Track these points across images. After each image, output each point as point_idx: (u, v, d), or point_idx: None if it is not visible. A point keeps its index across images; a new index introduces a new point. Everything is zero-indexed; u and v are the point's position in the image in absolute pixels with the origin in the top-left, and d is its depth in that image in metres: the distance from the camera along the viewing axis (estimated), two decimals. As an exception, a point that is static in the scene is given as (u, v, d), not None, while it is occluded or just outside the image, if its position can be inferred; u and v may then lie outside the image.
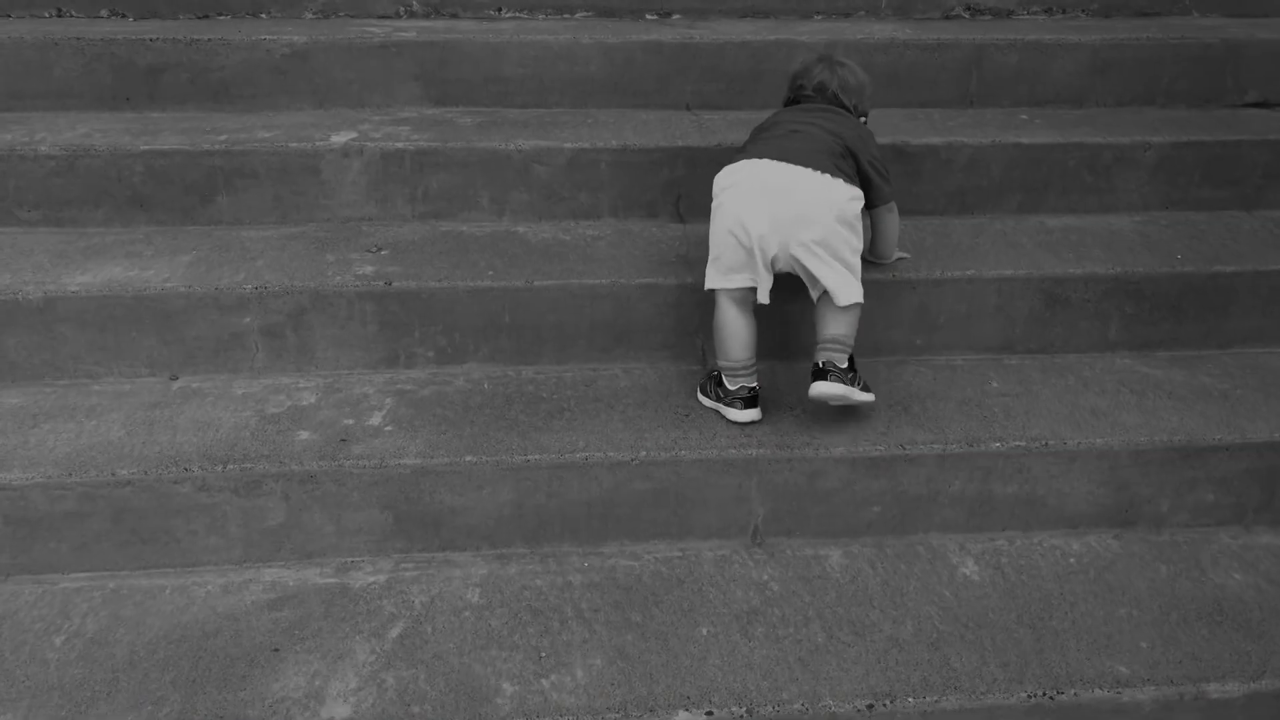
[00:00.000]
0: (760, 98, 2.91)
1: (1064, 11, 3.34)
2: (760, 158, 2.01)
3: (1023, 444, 2.02)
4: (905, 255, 2.34)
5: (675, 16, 3.24)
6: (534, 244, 2.45)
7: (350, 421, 2.05)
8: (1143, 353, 2.39)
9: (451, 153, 2.52)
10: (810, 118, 2.10)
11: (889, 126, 2.66)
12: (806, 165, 1.96)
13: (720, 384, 2.08)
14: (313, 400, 2.14)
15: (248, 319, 2.19)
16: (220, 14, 3.13)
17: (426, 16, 3.18)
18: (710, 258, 2.06)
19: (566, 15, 3.22)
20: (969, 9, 3.31)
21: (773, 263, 1.99)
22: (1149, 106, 3.02)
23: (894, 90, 2.92)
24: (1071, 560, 2.00)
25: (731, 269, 2.01)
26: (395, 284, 2.21)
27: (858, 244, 2.03)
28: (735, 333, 2.03)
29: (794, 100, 2.24)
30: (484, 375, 2.26)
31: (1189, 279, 2.35)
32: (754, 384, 2.04)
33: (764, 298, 2.01)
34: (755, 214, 1.95)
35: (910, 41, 2.90)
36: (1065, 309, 2.35)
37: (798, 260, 1.97)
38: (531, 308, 2.24)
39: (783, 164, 1.97)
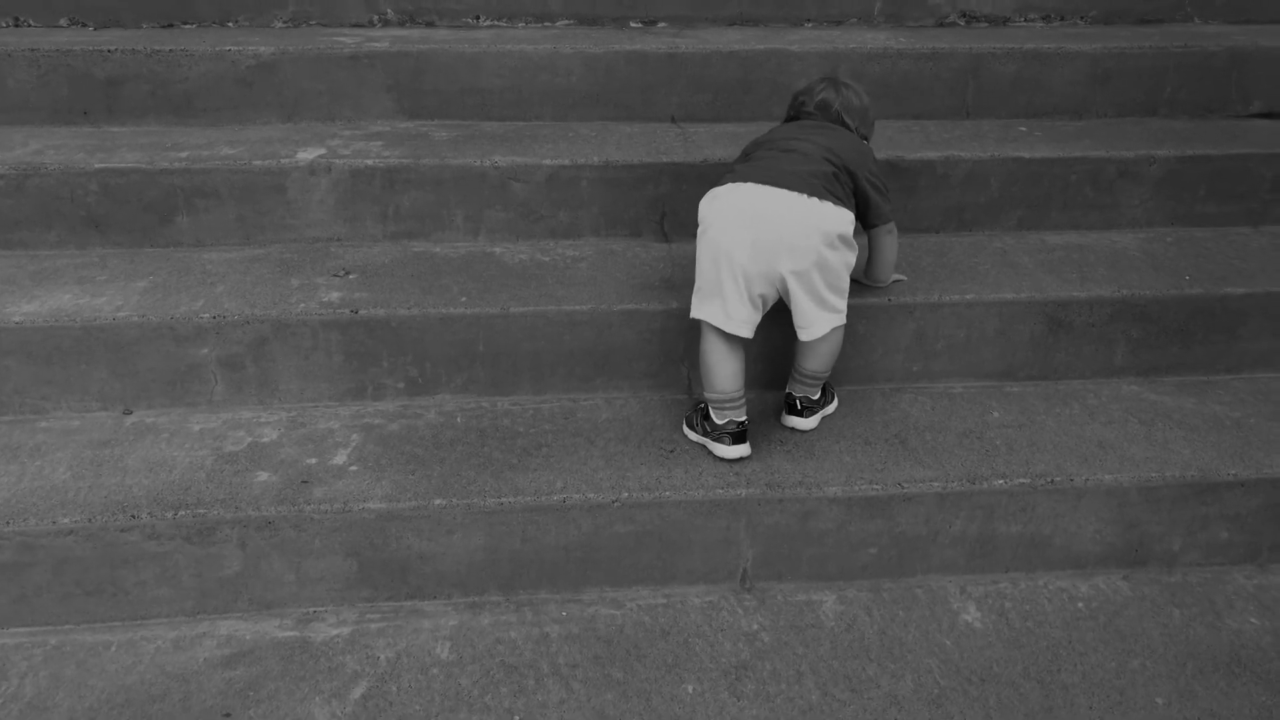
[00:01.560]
0: (748, 109, 2.80)
1: (1062, 18, 3.24)
2: (745, 181, 1.89)
3: (1026, 480, 1.91)
4: (902, 278, 2.24)
5: (661, 24, 3.12)
6: (510, 266, 2.33)
7: (313, 461, 1.92)
8: (1150, 378, 2.28)
9: (424, 170, 2.40)
10: (806, 134, 1.99)
11: (883, 139, 2.55)
12: (793, 189, 1.85)
13: (707, 417, 1.96)
14: (274, 437, 2.01)
15: (205, 350, 2.07)
16: (186, 23, 3.01)
17: (402, 25, 3.05)
18: (696, 286, 1.94)
19: (547, 23, 3.10)
20: (964, 16, 3.20)
21: (762, 299, 1.88)
22: (1151, 117, 2.91)
23: (888, 101, 2.80)
24: (1080, 605, 1.89)
25: (717, 297, 1.89)
26: (362, 312, 2.08)
27: (844, 272, 1.90)
28: (721, 362, 1.91)
29: (794, 117, 2.12)
30: (457, 407, 2.13)
31: (1197, 301, 2.24)
32: (743, 417, 1.93)
33: (746, 331, 1.90)
34: (739, 244, 1.84)
35: (904, 50, 2.79)
36: (1069, 333, 2.23)
37: (786, 287, 1.86)
38: (507, 336, 2.12)
39: (767, 188, 1.86)
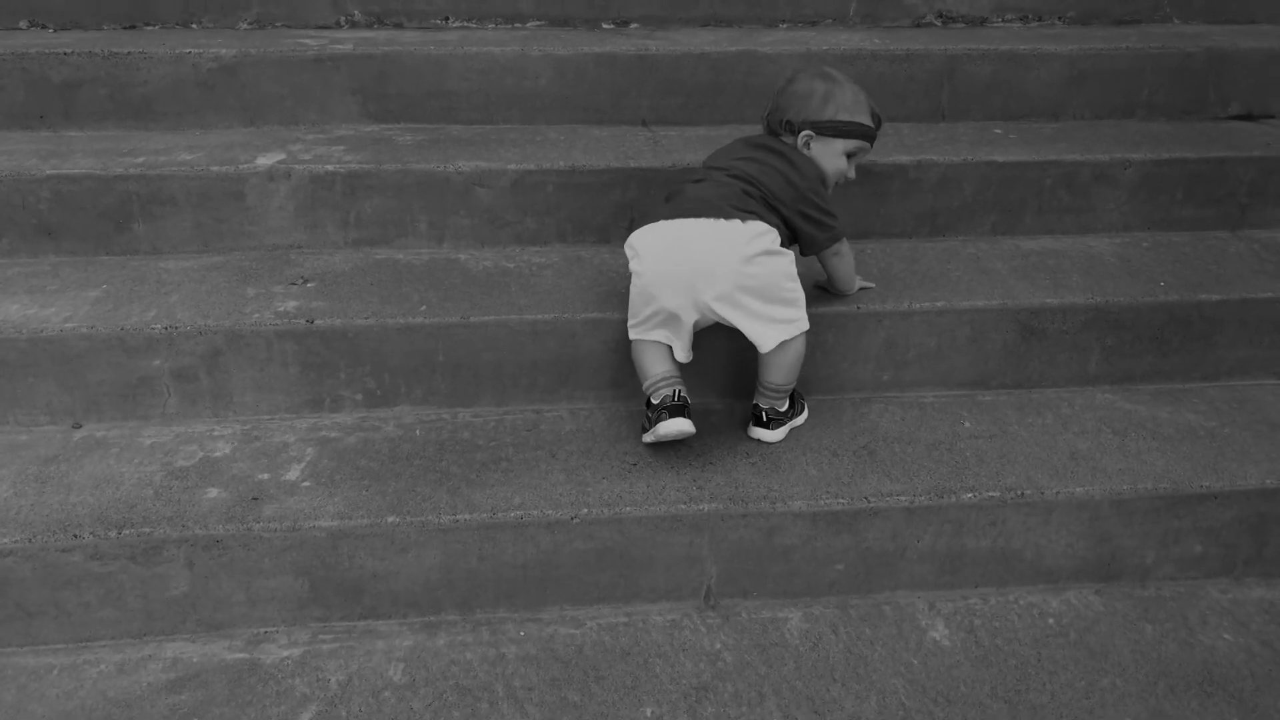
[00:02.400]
0: (720, 112, 2.76)
1: (1040, 19, 3.20)
2: (662, 219, 1.88)
3: (997, 494, 1.86)
4: (869, 285, 2.19)
5: (633, 25, 3.07)
6: (474, 273, 2.28)
7: (265, 476, 1.87)
8: (1125, 386, 2.25)
9: (386, 175, 2.35)
10: (731, 160, 1.97)
11: (855, 144, 2.51)
12: (706, 215, 1.83)
13: (648, 405, 1.90)
14: (227, 451, 1.95)
15: (157, 361, 2.01)
16: (148, 24, 2.95)
17: (369, 26, 2.99)
18: (629, 314, 1.92)
19: (517, 25, 3.05)
20: (941, 16, 3.16)
21: (696, 324, 1.88)
22: (1128, 119, 2.88)
23: (862, 104, 2.75)
24: (1050, 621, 1.85)
25: (650, 327, 1.90)
26: (318, 322, 2.03)
27: (782, 280, 1.85)
28: (649, 351, 1.90)
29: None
30: (416, 419, 2.08)
31: (1173, 309, 2.20)
32: (681, 389, 1.86)
33: (683, 356, 1.90)
34: (661, 283, 1.84)
35: (879, 52, 2.75)
36: (1042, 341, 2.20)
37: (717, 314, 1.83)
38: (468, 346, 2.07)
39: (681, 221, 1.85)
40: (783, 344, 1.86)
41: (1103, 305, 2.18)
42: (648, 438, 1.92)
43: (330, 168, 2.33)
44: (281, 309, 2.07)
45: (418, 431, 2.03)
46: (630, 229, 2.36)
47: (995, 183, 2.49)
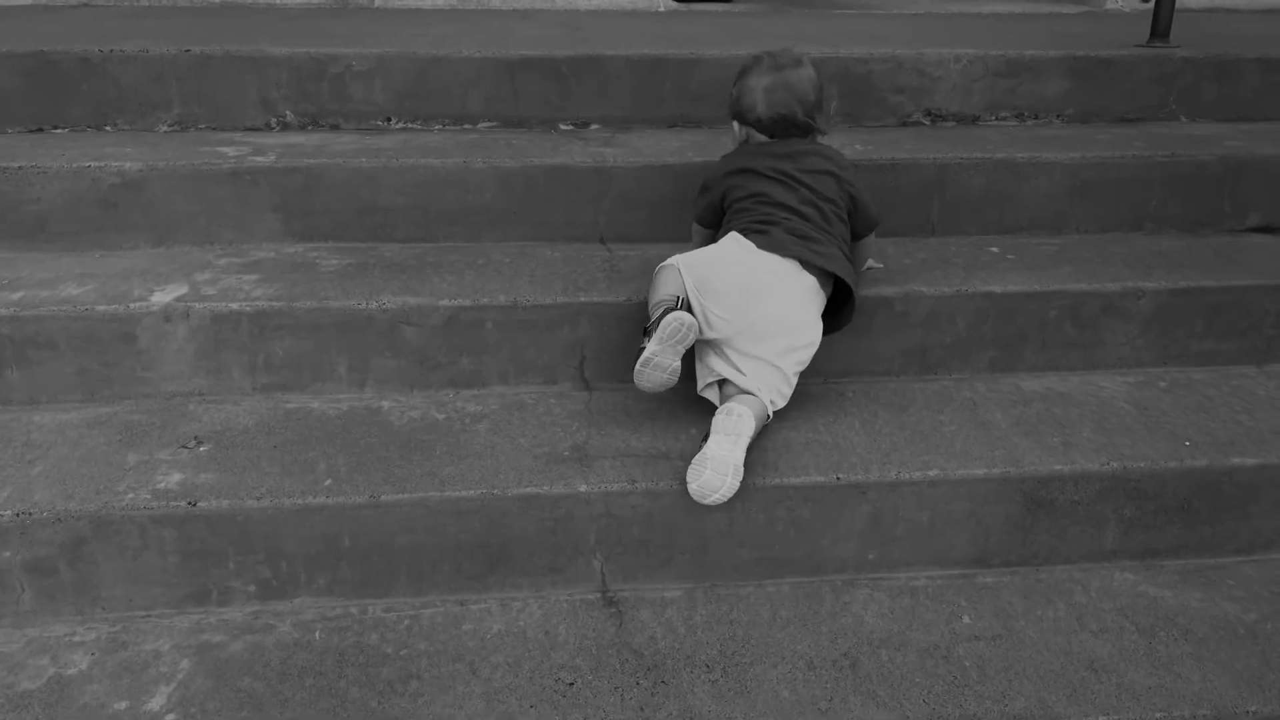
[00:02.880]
0: (685, 228, 2.47)
1: (1036, 117, 2.95)
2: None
3: (1004, 725, 1.55)
4: (878, 265, 2.24)
5: (594, 126, 2.81)
6: (397, 428, 1.98)
7: (122, 706, 1.55)
8: (1147, 563, 1.95)
9: (300, 314, 2.06)
10: (787, 196, 1.99)
11: (834, 273, 2.23)
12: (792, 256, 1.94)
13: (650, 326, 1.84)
14: (84, 666, 1.64)
15: (7, 553, 1.70)
16: (57, 127, 2.68)
17: (302, 129, 2.73)
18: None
19: (467, 126, 2.78)
20: (929, 114, 2.91)
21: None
22: (1136, 232, 2.61)
23: (842, 218, 2.48)
24: None
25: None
26: (201, 504, 1.72)
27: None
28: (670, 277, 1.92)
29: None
30: (318, 615, 1.77)
31: (1201, 475, 1.91)
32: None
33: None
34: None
35: (859, 161, 2.47)
36: (1051, 513, 1.90)
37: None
38: (379, 528, 1.77)
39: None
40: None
41: (1120, 472, 1.89)
42: (650, 353, 1.80)
43: (236, 306, 2.04)
44: (162, 485, 1.76)
45: (317, 634, 1.72)
46: (581, 369, 2.09)
47: (992, 315, 2.21)
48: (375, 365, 2.11)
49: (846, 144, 2.61)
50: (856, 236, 2.11)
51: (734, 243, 1.96)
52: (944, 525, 1.88)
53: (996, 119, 2.93)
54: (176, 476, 1.79)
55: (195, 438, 1.93)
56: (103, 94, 2.65)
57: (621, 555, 1.82)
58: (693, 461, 1.76)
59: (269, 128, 2.72)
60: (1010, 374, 2.25)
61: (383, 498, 1.75)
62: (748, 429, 1.79)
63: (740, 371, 1.89)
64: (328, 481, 1.79)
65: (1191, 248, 2.50)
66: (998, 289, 2.20)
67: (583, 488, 1.78)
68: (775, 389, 1.91)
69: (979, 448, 1.94)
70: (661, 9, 4.57)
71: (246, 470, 1.82)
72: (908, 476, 1.85)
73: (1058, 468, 1.88)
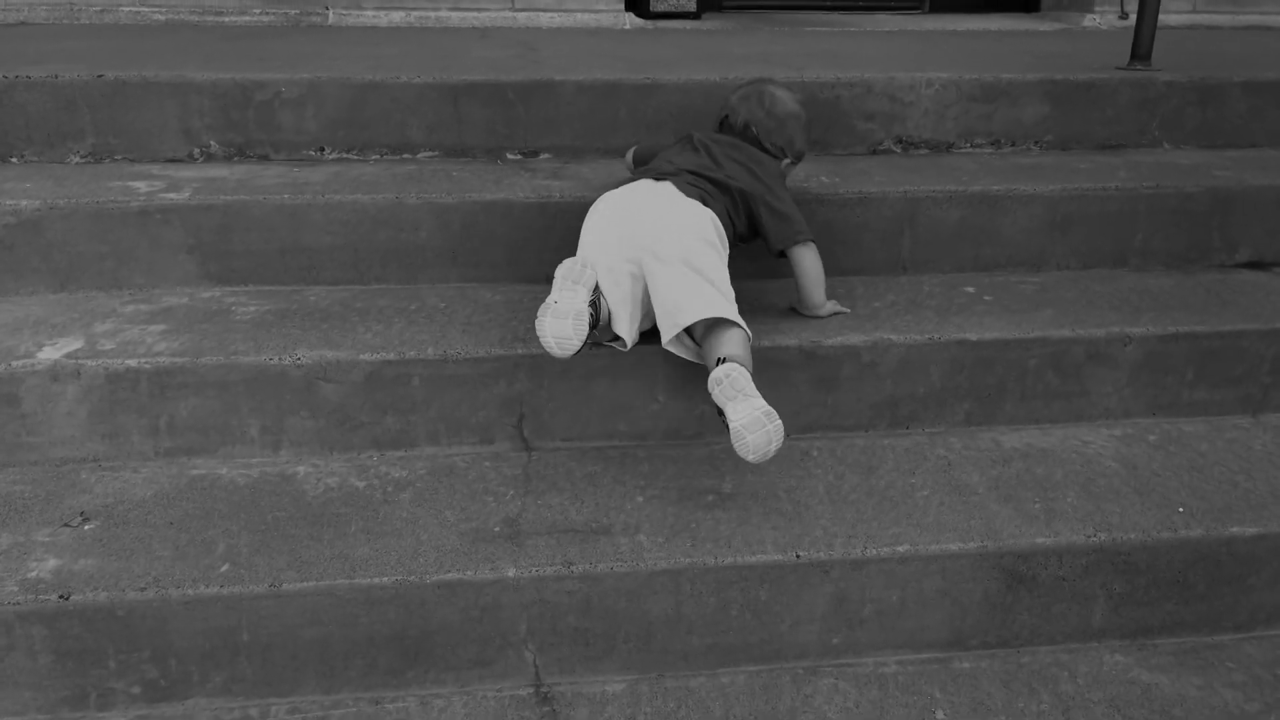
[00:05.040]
0: (639, 269, 2.28)
1: (1013, 144, 2.79)
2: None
3: None
4: (844, 310, 2.09)
5: (543, 156, 2.62)
6: (311, 498, 1.78)
7: (-31, 842, 1.34)
8: (1139, 643, 1.77)
9: (206, 371, 1.86)
10: (700, 162, 2.03)
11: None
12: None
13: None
14: (-67, 789, 1.42)
15: None
16: (-42, 159, 2.46)
17: (228, 160, 2.53)
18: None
19: (406, 155, 2.59)
20: (901, 142, 2.74)
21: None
22: (1121, 268, 2.45)
23: (807, 256, 2.31)
24: None
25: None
26: (76, 598, 1.52)
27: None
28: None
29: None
30: (214, 719, 1.56)
31: (1196, 546, 1.74)
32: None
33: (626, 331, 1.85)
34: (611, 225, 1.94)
35: (825, 196, 2.31)
36: (1033, 590, 1.72)
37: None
38: (281, 620, 1.57)
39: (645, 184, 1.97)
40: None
41: (1108, 545, 1.71)
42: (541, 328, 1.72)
43: (134, 363, 1.84)
44: (34, 574, 1.56)
45: (208, 744, 1.51)
46: (519, 427, 1.90)
47: (969, 365, 2.03)
48: (291, 426, 1.91)
49: (813, 174, 2.45)
50: (780, 249, 2.01)
51: (604, 197, 1.99)
52: (916, 605, 1.70)
53: (972, 146, 2.77)
54: (51, 563, 1.59)
55: (81, 513, 1.72)
56: (8, 123, 2.45)
57: (557, 646, 1.63)
58: (731, 439, 1.64)
59: (191, 159, 2.52)
60: (988, 427, 2.07)
61: (285, 586, 1.55)
62: (744, 382, 1.67)
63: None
64: (224, 566, 1.59)
65: (1180, 286, 2.34)
66: (973, 336, 2.03)
67: (512, 572, 1.59)
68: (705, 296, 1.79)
69: (954, 516, 1.75)
70: (627, 26, 4.40)
71: (134, 553, 1.61)
72: (875, 553, 1.66)
73: (1040, 540, 1.70)
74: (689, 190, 1.94)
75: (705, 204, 1.93)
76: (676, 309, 1.75)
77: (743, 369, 1.66)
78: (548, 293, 1.76)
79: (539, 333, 1.70)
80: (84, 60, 2.71)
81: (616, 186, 2.00)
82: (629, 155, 2.37)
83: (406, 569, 1.59)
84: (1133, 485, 1.87)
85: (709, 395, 1.67)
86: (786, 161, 2.16)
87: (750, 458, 1.62)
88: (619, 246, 1.86)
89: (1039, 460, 1.95)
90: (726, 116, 2.18)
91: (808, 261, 2.01)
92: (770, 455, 1.61)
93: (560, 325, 1.68)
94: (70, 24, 4.09)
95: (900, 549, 1.67)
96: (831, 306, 2.08)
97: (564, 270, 1.78)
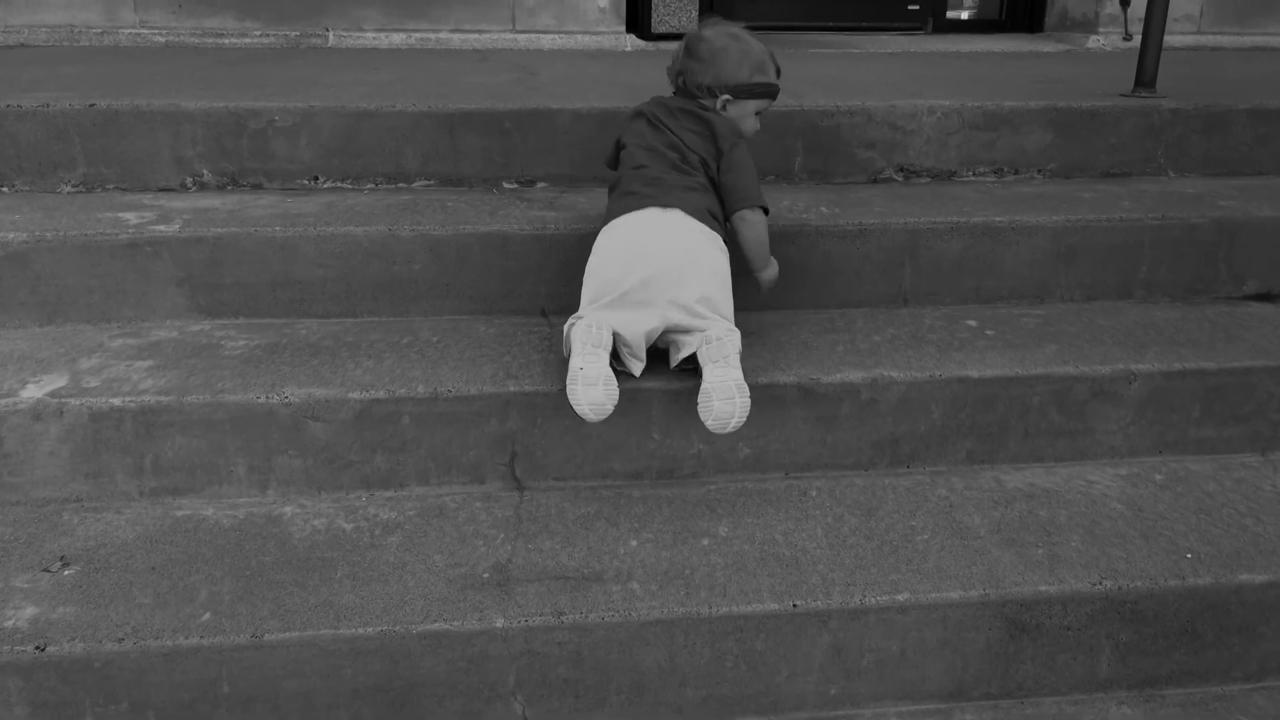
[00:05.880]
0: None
1: (1016, 172, 2.75)
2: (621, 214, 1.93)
3: None
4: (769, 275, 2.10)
5: (540, 185, 2.59)
6: (297, 541, 1.74)
7: None
8: (1146, 693, 1.72)
9: (192, 410, 1.82)
10: (656, 140, 2.00)
11: (796, 343, 2.04)
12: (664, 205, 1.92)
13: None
14: None
15: None
16: (-52, 188, 2.44)
17: (221, 189, 2.50)
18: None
19: (401, 185, 2.56)
20: (902, 170, 2.71)
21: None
22: (1125, 300, 2.41)
23: (805, 288, 2.29)
24: None
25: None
26: (52, 649, 1.48)
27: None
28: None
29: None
30: (192, 774, 1.52)
31: (1206, 595, 1.69)
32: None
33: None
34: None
35: (825, 227, 2.27)
36: (1037, 639, 1.67)
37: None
38: (262, 672, 1.53)
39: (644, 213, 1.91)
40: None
41: (1115, 593, 1.67)
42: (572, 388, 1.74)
43: (118, 401, 1.81)
44: (10, 624, 1.52)
45: (186, 801, 1.47)
46: (511, 466, 1.86)
47: (970, 403, 1.99)
48: (279, 465, 1.87)
49: (812, 204, 2.42)
50: (730, 211, 1.99)
51: (605, 234, 1.94)
52: (916, 655, 1.65)
53: (974, 174, 2.73)
54: (29, 611, 1.55)
55: (61, 557, 1.68)
56: (-2, 152, 2.42)
57: (546, 698, 1.59)
58: (698, 399, 1.75)
59: (184, 188, 2.49)
60: (990, 466, 2.03)
61: (267, 636, 1.51)
62: (731, 350, 1.78)
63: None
64: (206, 615, 1.55)
65: (1186, 319, 2.29)
66: (975, 373, 1.99)
67: (500, 622, 1.55)
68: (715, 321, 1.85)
69: (955, 563, 1.71)
70: (628, 48, 4.38)
71: (114, 601, 1.58)
72: (874, 601, 1.62)
73: (1044, 588, 1.66)
74: (694, 206, 1.90)
75: (707, 215, 1.90)
76: (690, 345, 1.83)
77: (737, 342, 1.79)
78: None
79: (573, 402, 1.72)
80: (78, 87, 2.70)
81: (620, 211, 1.94)
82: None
83: (393, 618, 1.55)
84: (1139, 529, 1.82)
85: (680, 362, 1.84)
86: (724, 98, 2.02)
87: (709, 423, 1.72)
88: (638, 292, 1.82)
89: (1042, 501, 1.91)
90: (679, 78, 2.10)
91: (744, 230, 2.00)
92: (729, 429, 1.72)
93: (593, 393, 1.70)
94: (70, 46, 4.08)
95: (900, 597, 1.63)
96: (774, 271, 2.09)
97: (581, 334, 1.77)
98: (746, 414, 1.72)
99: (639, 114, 2.08)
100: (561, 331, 1.90)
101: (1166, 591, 1.68)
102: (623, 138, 2.09)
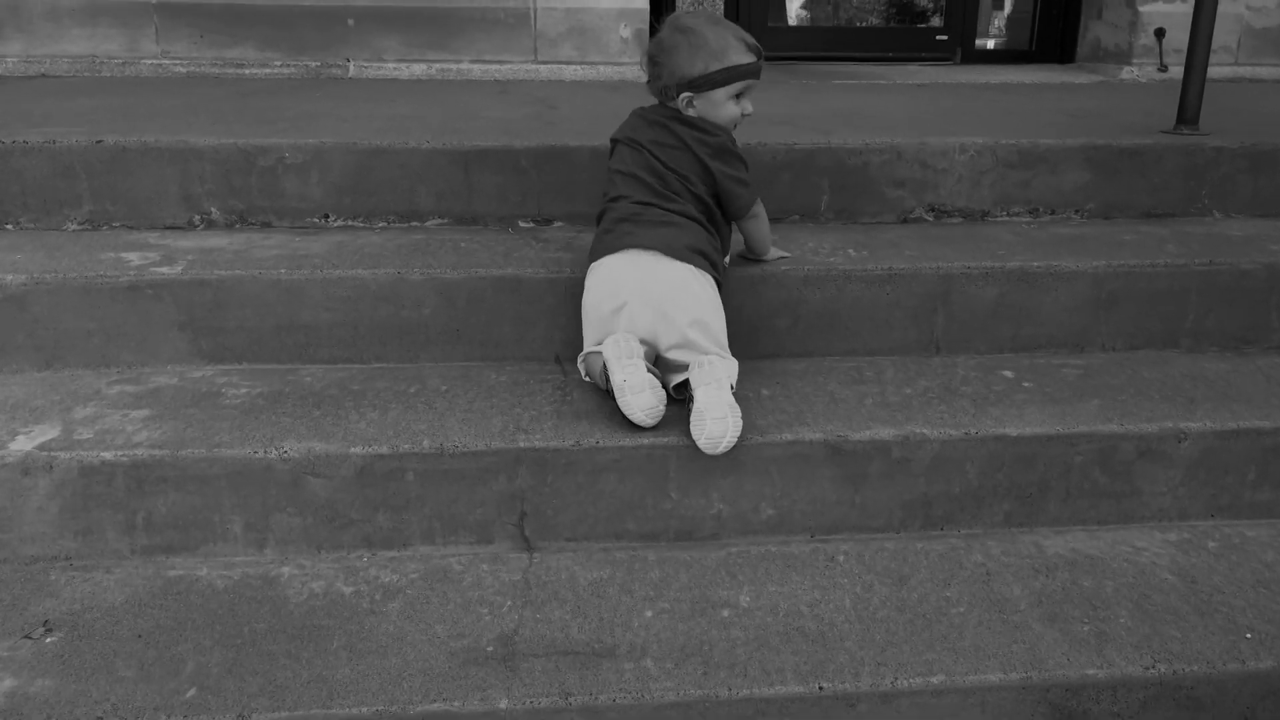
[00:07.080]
0: (653, 348, 2.15)
1: (1052, 212, 2.64)
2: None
3: None
4: (785, 254, 2.17)
5: (556, 224, 2.51)
6: (292, 606, 1.65)
7: None
8: (1203, 787, 1.58)
9: (186, 465, 1.74)
10: (638, 166, 1.95)
11: (823, 394, 1.93)
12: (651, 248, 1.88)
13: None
14: None
15: None
16: (-47, 226, 2.39)
17: (229, 227, 2.43)
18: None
19: (415, 224, 2.48)
20: (933, 210, 2.60)
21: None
22: (1171, 349, 2.28)
23: (832, 335, 2.18)
24: None
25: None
26: (26, 728, 1.38)
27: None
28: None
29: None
30: None
31: (1268, 680, 1.55)
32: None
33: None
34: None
35: (853, 272, 2.17)
36: (1084, 726, 1.54)
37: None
38: (250, 754, 1.42)
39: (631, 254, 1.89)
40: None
41: (1169, 678, 1.54)
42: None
43: (110, 455, 1.73)
44: (-15, 697, 1.42)
45: None
46: (521, 526, 1.76)
47: (1008, 462, 1.87)
48: (276, 523, 1.78)
49: (839, 246, 2.31)
50: (731, 218, 2.04)
51: (592, 274, 1.92)
52: (952, 743, 1.52)
53: (1008, 215, 2.62)
54: (7, 684, 1.46)
55: (45, 622, 1.60)
56: (4, 189, 2.37)
57: (552, 785, 1.48)
58: (690, 419, 1.75)
59: (192, 226, 2.43)
60: (1030, 530, 1.91)
61: (254, 717, 1.41)
62: (723, 374, 1.77)
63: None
64: (191, 691, 1.45)
65: (1237, 372, 2.16)
66: (1013, 431, 1.87)
67: (504, 703, 1.45)
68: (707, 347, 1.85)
69: (994, 639, 1.59)
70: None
71: (95, 673, 1.49)
72: (907, 684, 1.50)
73: (1091, 672, 1.53)
74: (674, 245, 1.86)
75: (687, 254, 1.86)
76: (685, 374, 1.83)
77: (733, 369, 1.80)
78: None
79: (627, 412, 1.75)
80: (90, 121, 2.65)
81: (602, 252, 1.91)
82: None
83: (389, 697, 1.45)
84: (1193, 603, 1.69)
85: (672, 387, 1.83)
86: (686, 95, 1.93)
87: (701, 442, 1.71)
88: (630, 326, 1.85)
89: (1086, 570, 1.78)
90: (649, 85, 2.04)
91: (749, 227, 2.07)
92: (720, 449, 1.71)
93: (642, 398, 1.73)
94: (91, 77, 4.06)
95: (934, 680, 1.51)
96: (776, 251, 2.16)
97: (611, 350, 1.78)
98: (739, 434, 1.72)
99: (615, 140, 2.04)
100: (577, 373, 1.94)
101: (1225, 676, 1.55)
102: (609, 164, 2.05)
